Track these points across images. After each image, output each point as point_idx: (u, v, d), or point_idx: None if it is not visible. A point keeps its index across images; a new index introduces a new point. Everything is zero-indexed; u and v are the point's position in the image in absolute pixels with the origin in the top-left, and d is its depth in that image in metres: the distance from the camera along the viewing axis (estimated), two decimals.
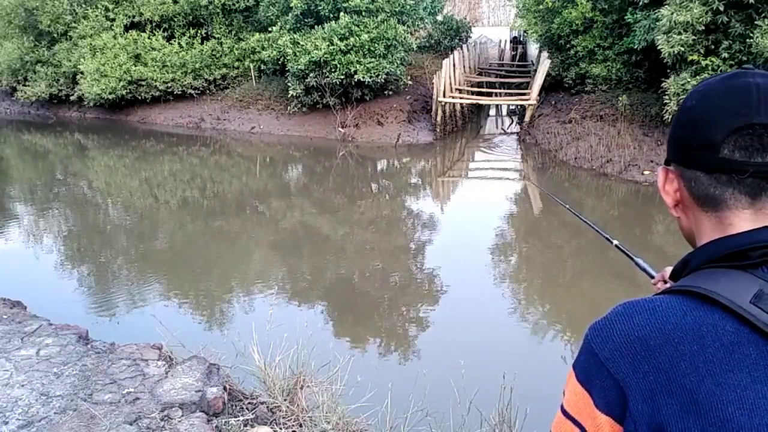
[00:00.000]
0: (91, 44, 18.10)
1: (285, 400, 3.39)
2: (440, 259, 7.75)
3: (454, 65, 15.95)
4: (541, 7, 15.27)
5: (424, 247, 8.46)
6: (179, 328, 4.13)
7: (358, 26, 14.48)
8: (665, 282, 1.27)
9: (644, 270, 1.52)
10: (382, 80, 14.90)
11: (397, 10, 15.09)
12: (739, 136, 0.76)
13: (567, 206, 2.38)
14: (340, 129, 15.32)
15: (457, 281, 6.99)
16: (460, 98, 15.83)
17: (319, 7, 15.07)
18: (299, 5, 14.96)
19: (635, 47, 12.02)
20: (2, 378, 3.48)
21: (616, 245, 1.74)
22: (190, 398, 3.29)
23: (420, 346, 5.60)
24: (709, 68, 9.75)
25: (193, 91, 18.18)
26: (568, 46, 14.68)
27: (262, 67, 17.70)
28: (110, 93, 17.68)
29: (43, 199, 11.68)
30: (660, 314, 0.75)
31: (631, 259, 1.62)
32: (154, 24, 18.30)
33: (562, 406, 0.83)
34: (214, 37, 18.47)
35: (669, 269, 1.16)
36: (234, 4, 17.96)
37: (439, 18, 20.70)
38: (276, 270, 7.71)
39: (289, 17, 15.60)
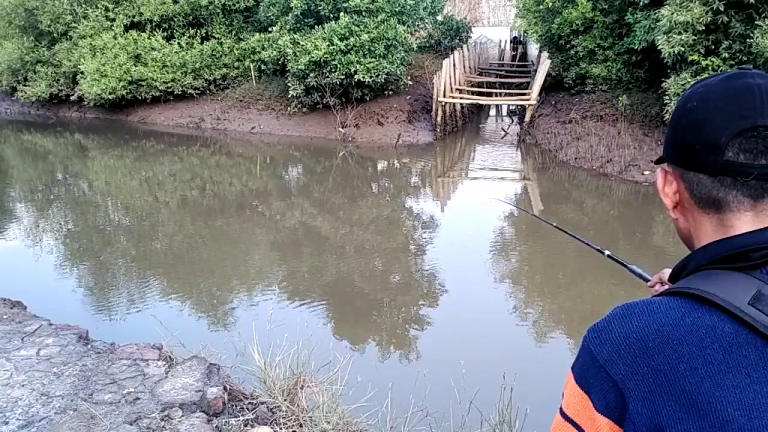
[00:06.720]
0: (91, 44, 18.11)
1: (285, 400, 3.39)
2: (440, 259, 7.75)
3: (454, 65, 15.95)
4: (541, 7, 15.27)
5: (424, 247, 8.46)
6: (179, 328, 4.13)
7: (358, 26, 14.48)
8: (662, 284, 1.27)
9: (639, 275, 1.52)
10: (382, 80, 14.89)
11: (397, 10, 15.09)
12: (744, 138, 0.76)
13: (554, 224, 2.37)
14: (340, 129, 15.31)
15: (457, 281, 6.99)
16: (460, 98, 15.82)
17: (319, 7, 15.07)
18: (299, 5, 14.96)
19: (635, 47, 12.02)
20: (2, 378, 3.48)
21: (608, 255, 1.74)
22: (191, 398, 3.29)
23: (420, 346, 5.60)
24: (710, 68, 9.75)
25: (193, 91, 18.18)
26: (568, 46, 14.67)
27: (262, 67, 17.69)
28: (110, 93, 17.69)
29: (43, 199, 11.67)
30: (658, 316, 0.75)
31: (625, 266, 1.61)
32: (154, 24, 18.30)
33: (561, 408, 0.83)
34: (214, 37, 18.47)
35: (667, 271, 1.16)
36: (234, 4, 17.96)
37: (439, 18, 20.69)
38: (276, 270, 7.71)
39: (289, 17, 15.60)
